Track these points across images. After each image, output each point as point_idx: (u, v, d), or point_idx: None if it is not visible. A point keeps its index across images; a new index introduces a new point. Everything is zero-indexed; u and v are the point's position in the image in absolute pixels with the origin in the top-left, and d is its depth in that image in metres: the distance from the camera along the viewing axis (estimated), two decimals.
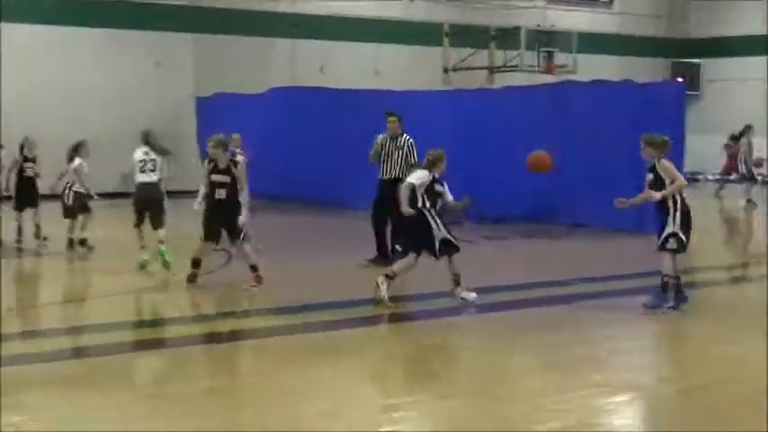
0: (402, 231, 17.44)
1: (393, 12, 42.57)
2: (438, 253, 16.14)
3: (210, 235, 17.98)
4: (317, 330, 14.61)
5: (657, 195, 15.24)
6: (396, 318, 15.82)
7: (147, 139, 20.75)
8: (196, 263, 17.98)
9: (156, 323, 16.33)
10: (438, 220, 16.14)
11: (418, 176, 16.38)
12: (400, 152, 20.67)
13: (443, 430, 10.05)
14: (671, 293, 15.52)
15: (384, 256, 20.51)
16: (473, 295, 16.37)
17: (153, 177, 20.18)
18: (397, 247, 19.50)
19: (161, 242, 19.68)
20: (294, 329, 14.62)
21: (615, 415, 10.50)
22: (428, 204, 16.16)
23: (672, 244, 15.18)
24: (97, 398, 10.83)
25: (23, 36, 35.61)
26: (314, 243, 24.88)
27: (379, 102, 30.91)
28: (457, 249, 16.23)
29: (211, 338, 14.36)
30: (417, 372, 12.61)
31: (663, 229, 15.36)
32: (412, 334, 15.16)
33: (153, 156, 20.38)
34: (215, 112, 36.65)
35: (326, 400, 10.71)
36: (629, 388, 11.36)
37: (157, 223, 20.04)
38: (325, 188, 32.06)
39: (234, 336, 14.51)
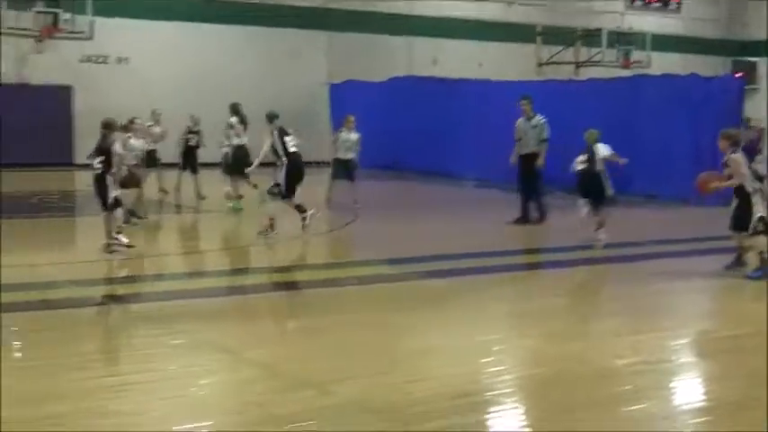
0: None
1: (494, 14, 42.46)
2: None
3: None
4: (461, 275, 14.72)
5: (728, 184, 14.55)
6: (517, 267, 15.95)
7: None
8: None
9: (291, 268, 16.17)
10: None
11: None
12: (534, 130, 20.60)
13: (526, 364, 9.89)
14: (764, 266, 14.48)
15: (525, 219, 20.54)
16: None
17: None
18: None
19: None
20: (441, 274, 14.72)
21: (678, 354, 10.46)
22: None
23: (760, 226, 14.28)
24: (244, 328, 11.02)
25: (187, 32, 36.15)
26: (444, 207, 24.85)
27: (482, 90, 31.04)
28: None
29: (346, 282, 14.18)
30: (512, 313, 12.48)
31: (739, 210, 14.41)
32: (517, 282, 15.01)
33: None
34: (345, 96, 36.89)
35: (431, 338, 10.75)
36: (691, 333, 11.37)
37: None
38: (435, 160, 32.18)
39: (364, 280, 14.29)
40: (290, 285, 14.45)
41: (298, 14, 38.18)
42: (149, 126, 23.00)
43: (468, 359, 9.79)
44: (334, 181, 23.09)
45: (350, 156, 22.87)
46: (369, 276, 14.73)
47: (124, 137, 18.62)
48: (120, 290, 13.60)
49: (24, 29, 31.98)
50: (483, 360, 9.78)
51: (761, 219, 14.33)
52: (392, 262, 16.04)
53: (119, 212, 16.10)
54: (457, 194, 28.01)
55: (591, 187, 17.51)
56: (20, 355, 9.98)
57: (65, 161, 33.34)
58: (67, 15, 32.07)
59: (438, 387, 8.61)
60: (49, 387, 8.49)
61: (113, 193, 15.94)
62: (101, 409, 7.91)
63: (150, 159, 21.95)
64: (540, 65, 43.43)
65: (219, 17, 36.68)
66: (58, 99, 33.92)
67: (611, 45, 42.90)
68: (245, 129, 22.66)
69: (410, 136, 33.20)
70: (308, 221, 18.03)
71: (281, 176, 17.75)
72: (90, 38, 32.44)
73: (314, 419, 7.66)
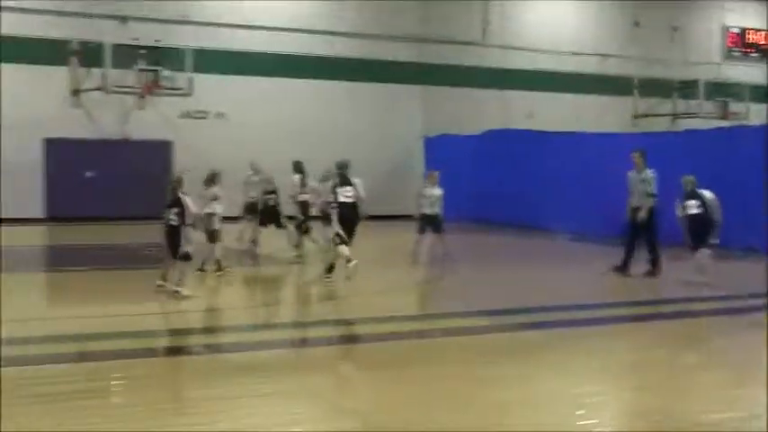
0: None
1: (590, 67, 42.27)
2: None
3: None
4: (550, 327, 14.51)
5: None
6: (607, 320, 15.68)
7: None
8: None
9: (382, 320, 15.57)
10: None
11: None
12: (642, 184, 20.44)
13: (621, 418, 9.74)
14: None
15: (625, 269, 20.34)
16: None
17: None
18: None
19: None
20: (512, 328, 14.51)
21: None
22: None
23: None
24: (336, 377, 10.95)
25: (284, 88, 36.56)
26: (538, 259, 24.65)
27: (577, 142, 30.74)
28: None
29: (437, 333, 14.16)
30: (610, 366, 12.32)
31: None
32: (613, 335, 14.64)
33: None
34: (439, 150, 36.99)
35: (524, 390, 10.62)
36: None
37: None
38: (530, 213, 31.95)
39: (452, 332, 14.21)
40: (381, 337, 14.37)
41: (393, 69, 38.41)
42: (249, 175, 24.31)
43: (560, 412, 9.65)
44: (421, 235, 22.98)
45: (435, 210, 22.77)
46: (460, 328, 14.62)
47: (213, 190, 18.98)
48: (217, 339, 13.72)
49: (127, 86, 32.54)
50: (577, 413, 9.65)
51: None
52: (484, 313, 15.90)
53: (184, 266, 16.65)
54: (551, 247, 27.76)
55: (702, 232, 17.41)
56: (120, 400, 10.09)
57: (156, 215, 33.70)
58: (168, 73, 32.63)
59: None
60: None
61: (186, 247, 16.40)
62: None
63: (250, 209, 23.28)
64: (637, 117, 43.10)
65: (316, 72, 37.05)
66: (158, 154, 34.42)
67: (708, 96, 42.48)
68: (304, 185, 23.02)
69: (504, 189, 33.02)
70: (351, 270, 18.00)
71: (335, 225, 18.30)
72: (189, 94, 32.92)
73: None
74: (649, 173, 20.40)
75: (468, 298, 17.68)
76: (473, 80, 39.68)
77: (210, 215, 19.14)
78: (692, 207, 17.81)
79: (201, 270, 19.19)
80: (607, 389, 10.91)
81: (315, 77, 37.11)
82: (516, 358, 12.17)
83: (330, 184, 18.82)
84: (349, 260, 18.10)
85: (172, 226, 16.55)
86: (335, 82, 37.47)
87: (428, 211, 22.79)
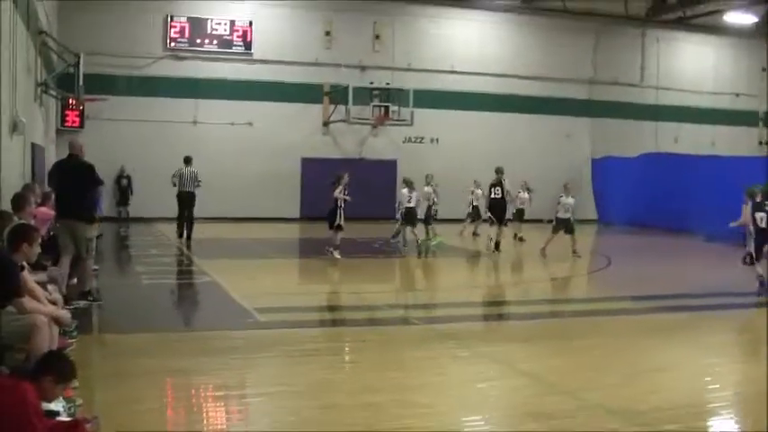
0: None
1: (725, 103, 40.76)
2: None
3: None
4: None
5: None
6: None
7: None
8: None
9: (556, 301, 15.75)
10: None
11: None
12: None
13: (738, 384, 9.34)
14: None
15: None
16: None
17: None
18: None
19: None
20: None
21: None
22: None
23: None
24: (517, 346, 10.90)
25: (484, 120, 36.59)
26: (680, 255, 23.88)
27: (714, 164, 29.77)
28: None
29: (600, 313, 13.83)
30: (733, 342, 11.95)
31: None
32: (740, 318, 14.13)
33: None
34: (604, 169, 36.43)
35: (666, 360, 10.40)
36: None
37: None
38: (675, 219, 30.99)
39: (610, 312, 13.94)
40: (554, 314, 14.28)
41: (568, 104, 37.92)
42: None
43: (693, 377, 9.44)
44: (554, 235, 22.36)
45: (568, 215, 22.12)
46: (617, 309, 14.40)
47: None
48: (430, 313, 13.79)
49: (364, 119, 33.13)
50: (705, 378, 9.42)
51: None
52: (636, 299, 15.62)
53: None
54: (690, 245, 26.92)
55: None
56: (342, 357, 10.31)
57: (391, 215, 34.28)
58: (395, 107, 32.99)
59: (669, 397, 8.35)
60: (370, 381, 8.74)
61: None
62: (404, 400, 8.05)
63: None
64: (761, 143, 41.32)
65: (507, 107, 36.88)
66: (386, 170, 34.92)
67: None
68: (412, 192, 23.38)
69: (656, 200, 32.13)
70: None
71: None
72: (411, 124, 33.25)
73: (566, 417, 7.58)
74: None
75: (623, 286, 17.37)
76: (632, 113, 38.75)
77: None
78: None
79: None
80: (728, 361, 10.57)
81: (506, 111, 36.93)
82: (660, 334, 11.93)
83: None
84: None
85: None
86: (522, 115, 37.20)
87: (562, 215, 22.14)
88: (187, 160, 24.37)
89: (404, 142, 35.60)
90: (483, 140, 36.43)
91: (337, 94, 33.55)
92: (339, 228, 20.36)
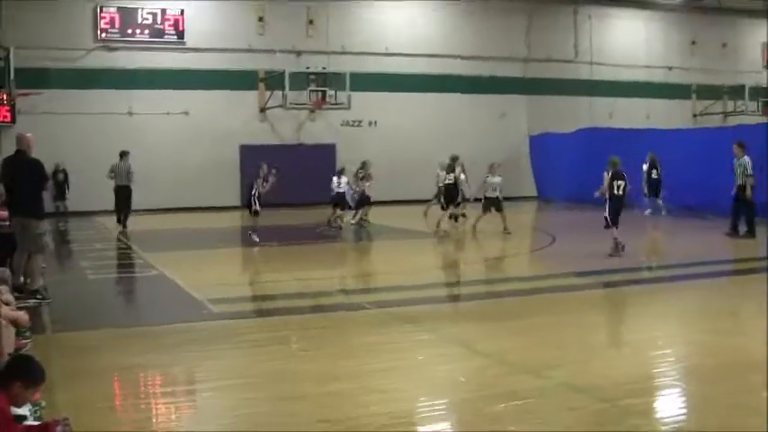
0: None
1: (658, 77, 41.37)
2: None
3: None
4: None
5: None
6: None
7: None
8: None
9: (507, 280, 15.71)
10: None
11: None
12: (740, 168, 20.28)
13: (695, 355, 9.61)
14: None
15: (735, 232, 20.35)
16: None
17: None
18: None
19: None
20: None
21: None
22: None
23: None
24: (475, 327, 10.94)
25: (419, 101, 36.63)
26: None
27: (649, 137, 30.15)
28: None
29: (550, 290, 13.82)
30: (683, 312, 12.12)
31: None
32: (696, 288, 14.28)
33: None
34: (541, 145, 36.73)
35: (621, 335, 10.53)
36: None
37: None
38: None
39: (563, 288, 13.94)
40: (507, 293, 14.35)
41: (504, 83, 38.12)
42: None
43: (647, 350, 9.60)
44: (484, 214, 22.68)
45: (495, 194, 22.42)
46: (568, 286, 14.54)
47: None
48: (381, 296, 13.66)
49: (302, 104, 32.97)
50: (659, 351, 9.59)
51: None
52: (584, 274, 15.79)
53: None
54: (630, 219, 27.27)
55: None
56: (298, 346, 10.24)
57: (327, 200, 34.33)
58: (332, 92, 32.87)
59: (628, 372, 8.48)
60: (328, 369, 8.70)
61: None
62: (367, 387, 8.11)
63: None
64: (695, 116, 42.04)
65: (443, 87, 36.96)
66: (324, 154, 34.82)
67: (752, 98, 41.14)
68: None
69: (594, 175, 32.20)
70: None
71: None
72: (348, 108, 33.19)
73: (531, 397, 7.66)
74: (745, 159, 20.07)
75: (570, 263, 17.52)
76: (567, 90, 39.08)
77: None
78: None
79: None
80: (682, 332, 10.78)
81: (442, 91, 37.01)
82: (616, 309, 12.09)
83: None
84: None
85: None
86: (458, 95, 37.29)
87: (491, 194, 22.49)
88: (122, 155, 24.55)
89: (342, 126, 35.52)
90: (421, 122, 36.53)
91: (273, 80, 33.34)
92: (256, 213, 21.69)
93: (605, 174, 17.97)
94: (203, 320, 11.33)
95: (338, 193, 25.21)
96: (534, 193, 36.88)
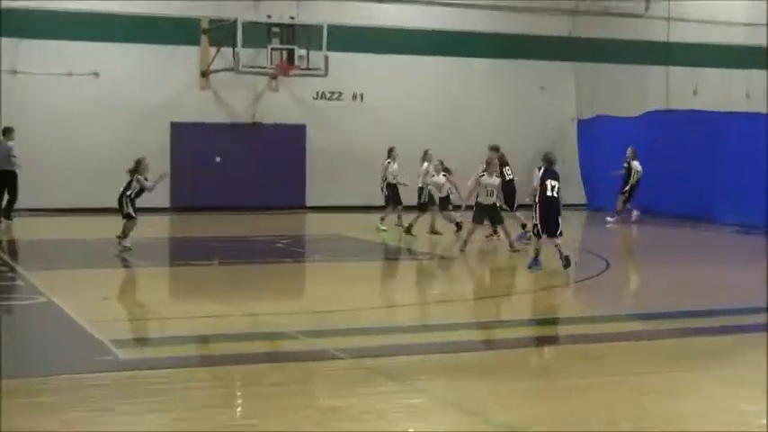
0: None
1: (760, 39, 41.20)
2: None
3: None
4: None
5: None
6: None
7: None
8: None
9: (538, 322, 15.91)
10: None
11: None
12: None
13: None
14: None
15: None
16: None
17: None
18: None
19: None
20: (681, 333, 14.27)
21: None
22: None
23: None
24: (489, 386, 10.84)
25: (426, 66, 36.66)
26: (705, 254, 24.15)
27: (750, 124, 30.00)
28: None
29: (598, 338, 13.80)
30: None
31: None
32: None
33: None
34: (595, 134, 36.63)
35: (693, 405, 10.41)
36: None
37: None
38: (693, 203, 31.28)
39: (616, 337, 13.91)
40: (535, 341, 14.22)
41: (543, 44, 38.11)
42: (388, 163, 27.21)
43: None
44: (476, 226, 22.90)
45: (492, 200, 22.79)
46: (621, 333, 14.41)
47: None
48: (360, 341, 13.54)
49: (260, 67, 32.82)
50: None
51: None
52: (646, 317, 15.68)
53: None
54: (717, 239, 27.26)
55: None
56: (242, 411, 10.14)
57: (297, 203, 34.27)
58: (303, 51, 32.75)
59: None
60: None
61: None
62: None
63: None
64: None
65: (460, 49, 36.95)
66: (290, 138, 34.72)
67: None
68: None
69: (666, 177, 32.30)
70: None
71: None
72: (325, 74, 33.04)
73: None
74: None
75: (627, 299, 17.43)
76: (633, 56, 38.99)
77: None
78: None
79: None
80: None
81: (455, 55, 37.01)
82: (680, 366, 11.95)
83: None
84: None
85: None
86: (479, 60, 37.35)
87: (484, 200, 22.76)
88: (5, 132, 24.54)
89: (316, 99, 35.56)
90: (425, 96, 36.67)
91: (220, 33, 33.38)
92: (129, 217, 22.45)
93: (536, 171, 20.21)
94: (104, 371, 11.17)
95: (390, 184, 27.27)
96: (582, 200, 36.95)
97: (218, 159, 34.11)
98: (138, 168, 22.60)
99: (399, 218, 27.34)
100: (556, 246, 19.63)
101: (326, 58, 32.64)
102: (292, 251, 23.93)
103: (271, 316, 15.11)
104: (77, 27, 32.89)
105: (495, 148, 24.44)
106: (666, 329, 14.58)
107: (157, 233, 27.67)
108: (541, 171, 19.95)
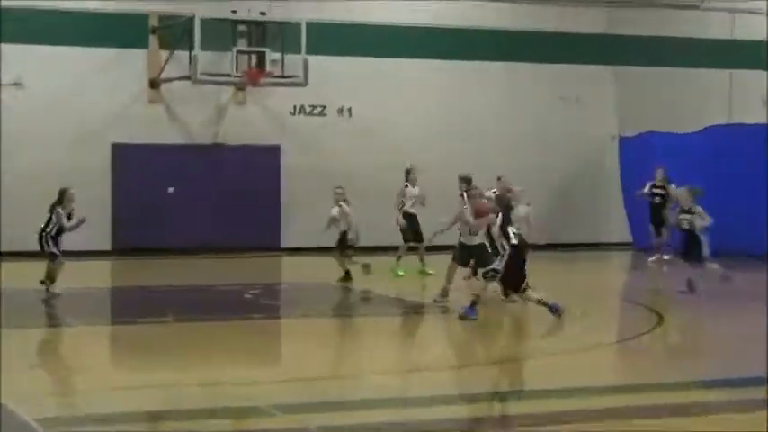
0: None
1: None
2: None
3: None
4: None
5: None
6: None
7: None
8: None
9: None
10: None
11: None
12: None
13: None
14: None
15: None
16: None
17: None
18: None
19: None
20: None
21: None
22: None
23: None
24: None
25: (418, 70, 36.64)
26: None
27: None
28: None
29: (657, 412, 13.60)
30: None
31: None
32: None
33: None
34: (641, 154, 36.51)
35: None
36: None
37: None
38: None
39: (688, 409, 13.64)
40: (574, 416, 14.08)
41: (574, 44, 38.21)
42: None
43: None
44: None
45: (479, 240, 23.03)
46: (682, 405, 14.24)
47: None
48: (345, 417, 13.38)
49: (223, 75, 32.79)
50: None
51: None
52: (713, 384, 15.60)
53: None
54: None
55: None
56: None
57: (269, 244, 34.19)
58: (276, 55, 32.71)
59: None
60: None
61: None
62: None
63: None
64: None
65: (470, 51, 37.12)
66: (261, 163, 34.70)
67: None
68: None
69: (735, 209, 32.16)
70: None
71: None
72: (304, 83, 32.98)
73: None
74: None
75: (682, 362, 17.33)
76: (687, 57, 39.00)
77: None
78: None
79: None
80: None
81: (466, 59, 37.19)
82: None
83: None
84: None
85: None
86: (495, 64, 37.57)
87: (466, 241, 23.02)
88: None
89: (293, 114, 35.68)
90: (426, 109, 36.74)
91: (174, 33, 33.62)
92: (52, 256, 23.42)
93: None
94: None
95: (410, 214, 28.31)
96: (626, 238, 36.94)
97: (170, 190, 34.03)
98: (61, 200, 23.21)
99: (422, 259, 27.93)
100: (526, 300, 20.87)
101: (306, 63, 32.67)
102: (264, 304, 23.91)
103: (238, 386, 14.99)
104: None
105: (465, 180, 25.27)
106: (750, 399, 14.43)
107: (95, 282, 27.68)
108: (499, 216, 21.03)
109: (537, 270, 22.92)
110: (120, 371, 17.50)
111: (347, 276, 26.34)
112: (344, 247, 26.51)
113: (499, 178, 25.69)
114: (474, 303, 20.39)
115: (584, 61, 38.32)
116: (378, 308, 24.61)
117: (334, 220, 26.30)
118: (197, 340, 19.35)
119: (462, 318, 20.33)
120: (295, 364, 17.84)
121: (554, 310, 20.37)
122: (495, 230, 20.84)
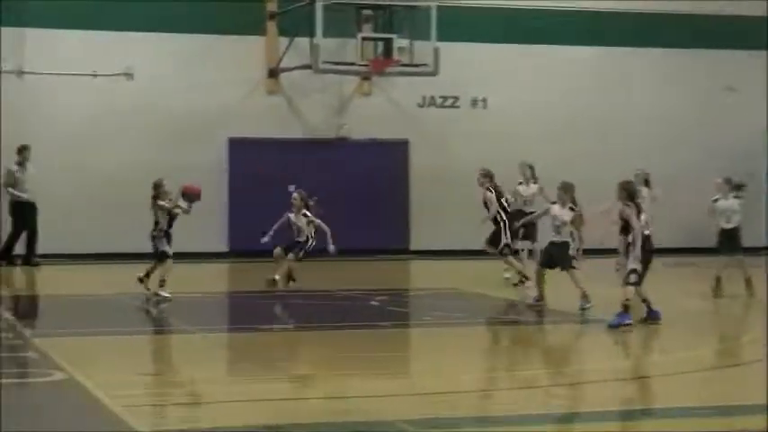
0: None
1: None
2: None
3: None
4: None
5: None
6: None
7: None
8: None
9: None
10: None
11: None
12: None
13: None
14: None
15: None
16: None
17: None
18: None
19: None
20: None
21: None
22: None
23: None
24: None
25: (581, 58, 36.76)
26: None
27: None
28: None
29: None
30: None
31: None
32: None
33: None
34: None
35: None
36: None
37: None
38: None
39: None
40: None
41: (729, 29, 37.95)
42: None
43: None
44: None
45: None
46: None
47: None
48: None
49: (347, 63, 32.92)
50: None
51: None
52: None
53: None
54: None
55: None
56: None
57: (397, 246, 34.19)
58: (403, 42, 32.68)
59: None
60: None
61: None
62: None
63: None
64: None
65: (618, 36, 37.10)
66: (388, 160, 34.74)
67: None
68: None
69: None
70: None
71: None
72: (434, 72, 32.98)
73: None
74: None
75: None
76: None
77: None
78: None
79: None
80: None
81: (613, 44, 37.32)
82: None
83: None
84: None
85: None
86: (642, 50, 37.62)
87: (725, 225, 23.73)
88: (20, 151, 24.87)
89: (422, 106, 35.71)
90: (569, 100, 36.53)
91: (292, 20, 33.72)
92: (163, 256, 23.87)
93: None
94: None
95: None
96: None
97: (291, 188, 34.08)
98: (157, 194, 23.80)
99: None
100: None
101: (436, 51, 32.67)
102: (392, 311, 23.85)
103: (364, 399, 15.02)
104: (101, 14, 33.33)
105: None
106: None
107: (210, 286, 27.85)
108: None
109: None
110: (234, 380, 17.56)
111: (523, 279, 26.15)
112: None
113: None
114: (626, 309, 20.18)
115: (742, 46, 37.89)
116: (525, 316, 24.35)
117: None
118: (318, 349, 19.39)
119: (613, 327, 20.14)
120: (427, 376, 17.76)
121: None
122: (634, 222, 20.47)
